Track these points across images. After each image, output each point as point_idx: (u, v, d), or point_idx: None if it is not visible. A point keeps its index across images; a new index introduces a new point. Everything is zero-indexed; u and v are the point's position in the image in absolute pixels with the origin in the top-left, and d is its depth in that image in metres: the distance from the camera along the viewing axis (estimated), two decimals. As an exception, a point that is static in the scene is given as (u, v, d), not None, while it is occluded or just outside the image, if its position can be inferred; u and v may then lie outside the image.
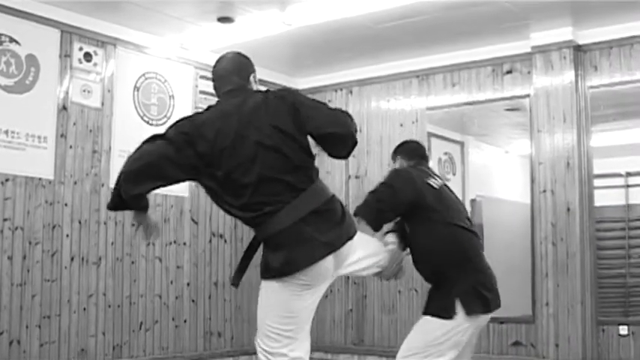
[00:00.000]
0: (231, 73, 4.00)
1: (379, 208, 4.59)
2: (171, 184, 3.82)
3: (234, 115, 3.80)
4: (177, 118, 3.93)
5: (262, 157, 3.70)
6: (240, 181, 3.71)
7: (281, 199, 3.72)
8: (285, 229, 3.71)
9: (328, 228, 3.76)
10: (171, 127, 3.82)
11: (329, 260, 3.78)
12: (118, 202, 3.87)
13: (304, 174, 3.78)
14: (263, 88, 4.03)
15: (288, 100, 3.83)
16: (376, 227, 4.59)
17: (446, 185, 4.91)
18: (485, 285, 4.60)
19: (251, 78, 4.04)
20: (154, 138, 3.79)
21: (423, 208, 4.62)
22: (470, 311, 4.49)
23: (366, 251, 4.27)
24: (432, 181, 4.76)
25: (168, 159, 3.70)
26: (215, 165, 3.72)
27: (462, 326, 4.50)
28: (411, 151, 5.09)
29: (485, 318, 4.66)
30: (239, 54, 4.13)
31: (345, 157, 4.01)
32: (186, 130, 3.75)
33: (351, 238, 3.88)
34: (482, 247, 4.82)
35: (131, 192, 3.72)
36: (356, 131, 3.90)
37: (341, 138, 3.85)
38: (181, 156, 3.70)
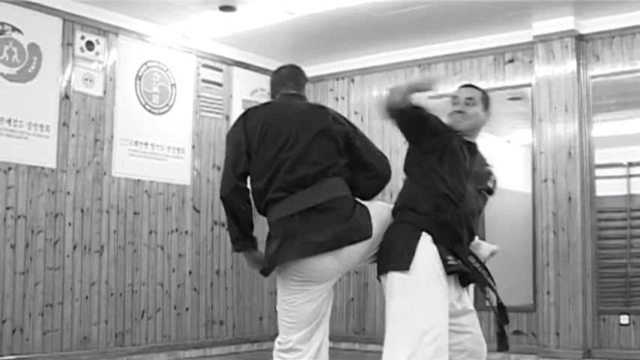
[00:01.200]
0: (287, 78, 4.34)
1: None
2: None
3: (282, 108, 4.14)
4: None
5: (291, 145, 3.90)
6: (265, 160, 3.92)
7: (288, 188, 3.85)
8: (279, 220, 3.85)
9: (325, 227, 3.79)
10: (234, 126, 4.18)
11: (324, 260, 3.81)
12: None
13: (320, 170, 3.89)
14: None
15: (346, 120, 4.19)
16: None
17: None
18: None
19: (305, 86, 4.39)
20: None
21: None
22: None
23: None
24: None
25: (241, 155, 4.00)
26: (251, 145, 3.98)
27: None
28: None
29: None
30: (294, 65, 4.50)
31: (370, 197, 4.15)
32: (239, 126, 4.09)
33: (354, 242, 3.86)
34: None
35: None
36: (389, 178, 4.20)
37: (377, 175, 4.14)
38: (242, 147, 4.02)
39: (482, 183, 4.30)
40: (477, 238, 4.36)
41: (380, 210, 4.05)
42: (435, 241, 3.89)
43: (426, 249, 3.86)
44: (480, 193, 4.26)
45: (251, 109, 4.22)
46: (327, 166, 3.90)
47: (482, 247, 4.39)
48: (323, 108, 4.19)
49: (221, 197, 3.99)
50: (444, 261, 3.86)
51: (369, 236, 3.90)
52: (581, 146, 7.69)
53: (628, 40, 7.64)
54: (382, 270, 3.96)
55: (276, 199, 3.86)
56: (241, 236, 4.03)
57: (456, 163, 4.00)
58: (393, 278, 3.85)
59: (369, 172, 4.06)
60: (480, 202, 4.27)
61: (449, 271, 3.87)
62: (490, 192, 4.41)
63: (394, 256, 3.90)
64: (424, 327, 3.68)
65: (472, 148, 4.17)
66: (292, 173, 3.85)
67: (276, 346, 3.99)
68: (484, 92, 4.23)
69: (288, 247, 3.79)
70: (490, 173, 4.40)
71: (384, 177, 4.13)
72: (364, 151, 4.10)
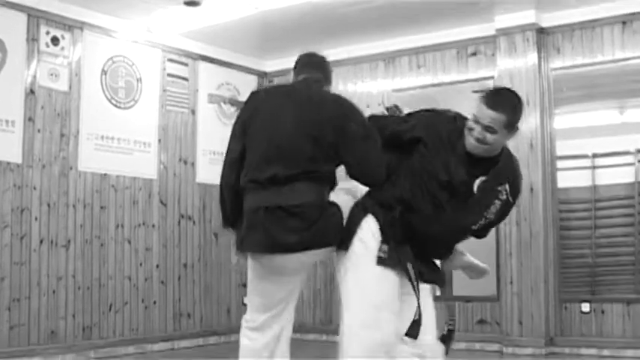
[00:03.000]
0: (316, 67, 4.19)
1: None
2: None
3: (285, 94, 4.01)
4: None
5: (274, 137, 3.78)
6: (250, 144, 3.87)
7: (260, 181, 3.77)
8: (247, 211, 3.83)
9: (289, 230, 3.72)
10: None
11: (285, 257, 3.80)
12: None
13: (295, 173, 3.74)
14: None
15: (343, 110, 3.88)
16: None
17: None
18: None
19: (329, 82, 4.24)
20: None
21: None
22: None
23: None
24: None
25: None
26: (245, 125, 3.92)
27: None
28: None
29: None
30: (319, 55, 4.34)
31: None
32: (245, 105, 4.06)
33: (314, 248, 3.80)
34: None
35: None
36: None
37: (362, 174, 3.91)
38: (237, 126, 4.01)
39: (470, 217, 3.76)
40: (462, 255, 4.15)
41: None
42: (380, 226, 3.73)
43: (366, 231, 3.75)
44: (466, 229, 3.82)
45: (258, 90, 4.24)
46: (304, 171, 3.74)
47: (471, 266, 4.20)
48: (335, 102, 3.94)
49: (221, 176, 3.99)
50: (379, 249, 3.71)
51: (329, 244, 3.84)
52: (542, 138, 7.81)
53: (588, 34, 7.76)
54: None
55: (249, 189, 3.81)
56: (225, 214, 4.03)
57: (427, 174, 3.70)
58: (337, 256, 3.88)
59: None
60: (455, 236, 3.89)
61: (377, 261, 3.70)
62: (482, 226, 3.82)
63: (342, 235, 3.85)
64: (372, 300, 3.68)
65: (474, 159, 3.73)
66: (266, 168, 3.75)
67: (243, 323, 4.07)
68: (513, 111, 3.67)
69: (251, 239, 3.80)
70: (491, 202, 3.75)
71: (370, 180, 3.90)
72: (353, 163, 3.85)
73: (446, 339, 3.92)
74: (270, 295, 3.98)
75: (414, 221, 3.72)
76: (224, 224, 4.08)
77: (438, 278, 3.98)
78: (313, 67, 4.18)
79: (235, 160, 3.89)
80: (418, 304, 3.71)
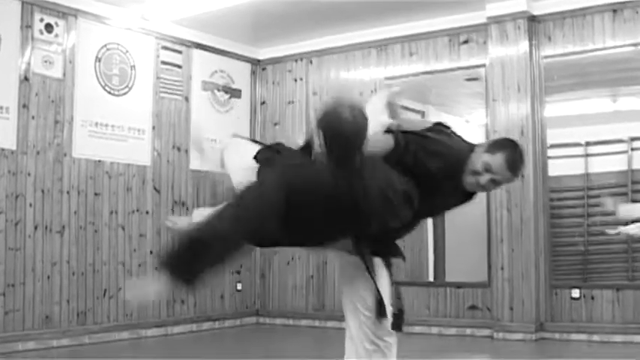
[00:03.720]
0: None
1: None
2: None
3: None
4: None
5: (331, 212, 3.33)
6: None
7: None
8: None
9: None
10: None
11: None
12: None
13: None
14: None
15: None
16: None
17: None
18: None
19: None
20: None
21: None
22: None
23: None
24: None
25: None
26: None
27: None
28: None
29: None
30: None
31: None
32: None
33: None
34: None
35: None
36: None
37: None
38: None
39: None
40: None
41: None
42: None
43: None
44: None
45: None
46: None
47: None
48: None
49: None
50: None
51: None
52: (533, 125, 7.86)
53: (579, 21, 7.80)
54: None
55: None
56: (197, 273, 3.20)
57: None
58: None
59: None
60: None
61: None
62: None
63: None
64: None
65: None
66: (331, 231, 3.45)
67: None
68: (519, 175, 3.75)
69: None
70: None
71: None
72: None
73: (397, 319, 3.86)
74: None
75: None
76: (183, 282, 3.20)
77: (398, 252, 3.83)
78: None
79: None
80: (374, 283, 3.61)
